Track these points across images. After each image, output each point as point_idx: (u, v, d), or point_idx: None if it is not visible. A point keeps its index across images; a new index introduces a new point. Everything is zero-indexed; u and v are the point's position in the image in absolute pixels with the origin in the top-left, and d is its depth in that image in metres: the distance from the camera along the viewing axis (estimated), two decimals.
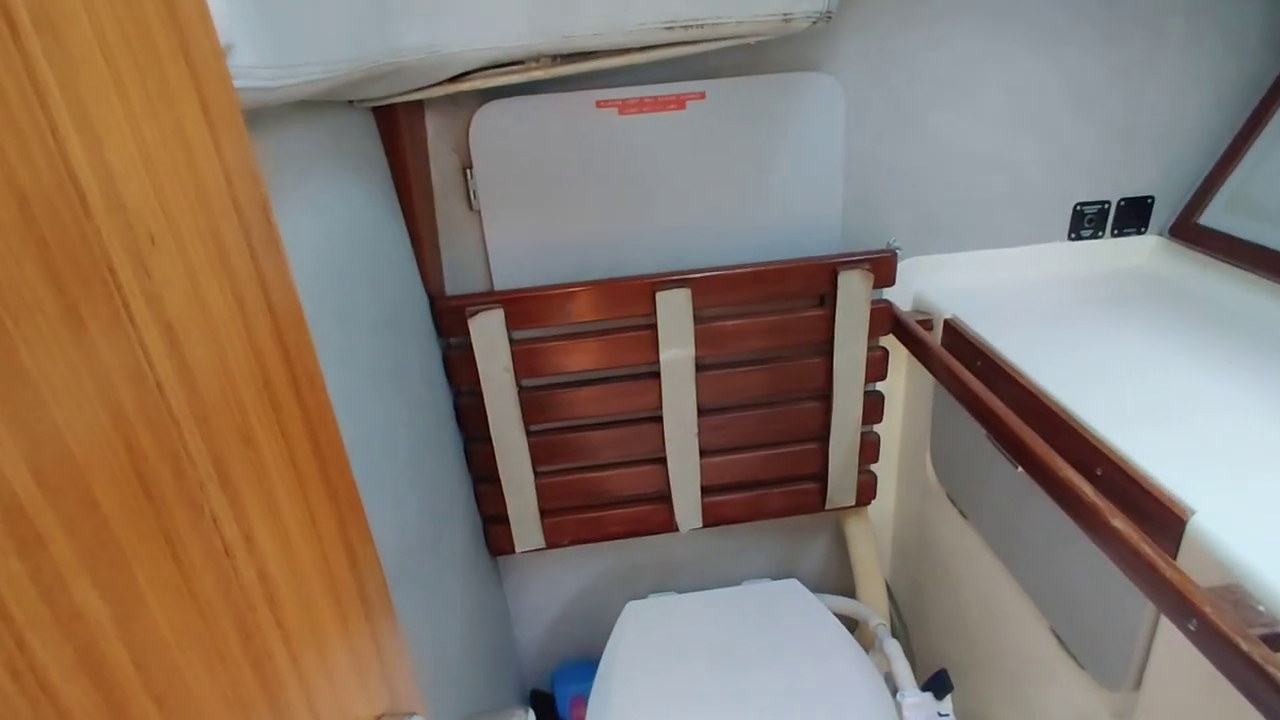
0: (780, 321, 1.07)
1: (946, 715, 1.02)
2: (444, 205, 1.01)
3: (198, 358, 0.23)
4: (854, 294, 1.05)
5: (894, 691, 1.06)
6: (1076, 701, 0.85)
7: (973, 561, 1.08)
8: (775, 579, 1.20)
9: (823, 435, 1.17)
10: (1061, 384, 0.86)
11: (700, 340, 1.06)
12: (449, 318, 1.00)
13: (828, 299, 1.07)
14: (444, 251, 1.03)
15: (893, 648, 1.14)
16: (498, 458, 1.08)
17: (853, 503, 1.23)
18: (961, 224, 1.13)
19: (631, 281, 1.01)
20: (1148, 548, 0.62)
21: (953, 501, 1.11)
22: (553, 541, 1.18)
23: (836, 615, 1.13)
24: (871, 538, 1.28)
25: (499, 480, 1.10)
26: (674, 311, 1.02)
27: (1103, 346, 0.93)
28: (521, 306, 1.00)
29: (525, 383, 1.07)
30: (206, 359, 0.23)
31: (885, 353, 1.12)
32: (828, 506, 1.23)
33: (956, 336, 1.04)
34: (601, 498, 1.17)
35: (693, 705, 0.98)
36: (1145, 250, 1.17)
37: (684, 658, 1.05)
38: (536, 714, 1.40)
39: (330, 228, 0.69)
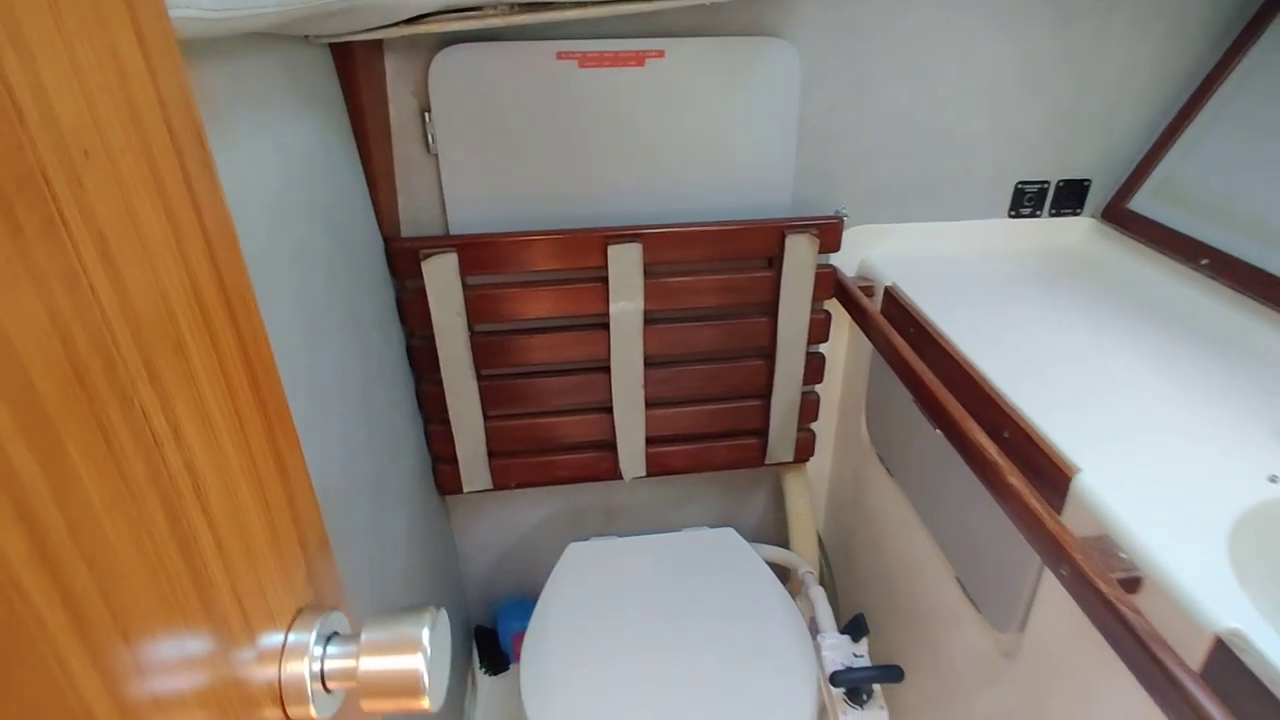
0: (728, 281, 1.11)
1: (861, 656, 1.10)
2: (402, 147, 1.02)
3: (129, 266, 0.25)
4: (800, 258, 1.08)
5: (816, 634, 1.13)
6: (974, 642, 0.93)
7: (896, 517, 1.14)
8: (714, 528, 1.26)
9: (765, 393, 1.22)
10: (984, 354, 0.91)
11: (650, 294, 1.09)
12: (403, 259, 1.01)
13: (775, 261, 1.10)
14: (400, 194, 1.04)
15: (817, 594, 1.22)
16: (448, 400, 1.11)
17: (791, 459, 1.29)
18: (908, 196, 1.17)
19: (584, 233, 1.03)
20: (1035, 501, 0.68)
21: (882, 461, 1.17)
22: (500, 483, 1.22)
23: (769, 564, 1.19)
24: (807, 493, 1.35)
25: (449, 422, 1.13)
26: (625, 265, 1.05)
27: (1028, 321, 0.99)
28: (475, 252, 1.02)
29: (477, 328, 1.09)
30: (138, 268, 0.26)
31: (828, 316, 1.17)
32: (768, 461, 1.28)
33: (894, 304, 1.09)
34: (549, 443, 1.21)
35: (625, 643, 1.04)
36: (1080, 231, 1.22)
37: (620, 598, 1.11)
38: (480, 649, 1.46)
39: (286, 161, 0.70)
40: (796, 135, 1.08)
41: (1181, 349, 0.90)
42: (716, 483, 1.41)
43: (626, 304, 1.08)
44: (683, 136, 1.06)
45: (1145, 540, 0.62)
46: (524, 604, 1.44)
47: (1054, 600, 0.74)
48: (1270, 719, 0.50)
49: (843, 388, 1.32)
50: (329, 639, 0.38)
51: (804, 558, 1.33)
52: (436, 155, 1.02)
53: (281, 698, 0.36)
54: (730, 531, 1.23)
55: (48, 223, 0.22)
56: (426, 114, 1.00)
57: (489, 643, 1.45)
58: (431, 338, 1.06)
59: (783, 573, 1.41)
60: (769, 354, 1.18)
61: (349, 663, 0.37)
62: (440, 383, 1.10)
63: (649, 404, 1.19)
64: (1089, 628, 0.65)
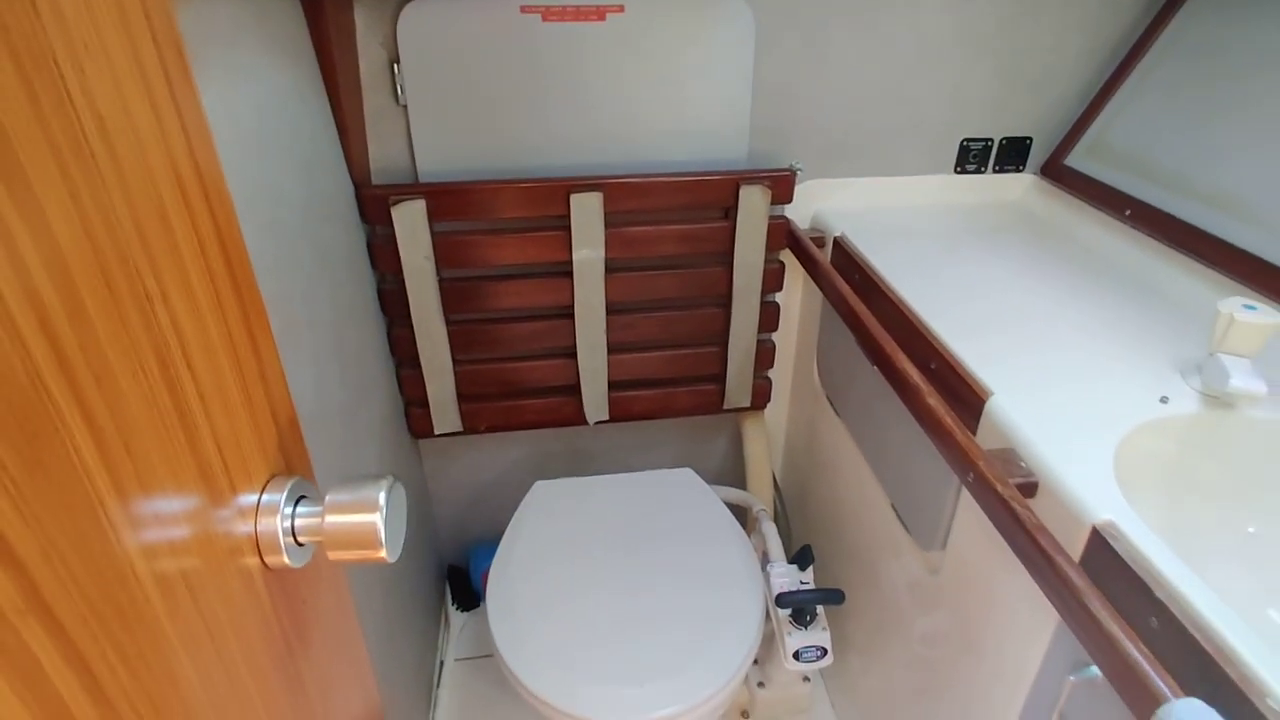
0: (686, 230, 1.16)
1: (808, 583, 1.18)
2: (371, 97, 1.05)
3: (122, 144, 0.30)
4: (754, 208, 1.14)
5: (766, 564, 1.21)
6: (906, 563, 1.01)
7: (843, 455, 1.22)
8: (673, 469, 1.33)
9: (722, 340, 1.28)
10: (921, 297, 0.98)
11: (611, 243, 1.14)
12: (373, 205, 1.05)
13: (730, 212, 1.16)
14: (371, 142, 1.08)
15: (769, 529, 1.29)
16: (418, 343, 1.15)
17: (749, 404, 1.36)
18: (859, 151, 1.23)
19: (547, 183, 1.08)
20: (948, 418, 0.75)
21: (831, 404, 1.24)
22: (470, 427, 1.28)
23: (726, 504, 1.26)
24: (764, 437, 1.42)
25: (420, 365, 1.18)
26: (586, 213, 1.10)
27: (966, 269, 1.05)
28: (442, 199, 1.06)
29: (446, 273, 1.14)
30: (129, 148, 0.31)
31: (782, 266, 1.23)
32: (726, 407, 1.35)
33: (843, 253, 1.15)
34: (517, 387, 1.26)
35: (586, 573, 1.10)
36: (1022, 187, 1.29)
37: (582, 532, 1.17)
38: (452, 587, 1.52)
39: (257, 104, 0.74)
40: (751, 91, 1.13)
41: (1101, 291, 0.98)
42: (678, 429, 1.48)
43: (588, 252, 1.14)
44: (642, 90, 1.10)
45: (1043, 451, 0.69)
46: (494, 546, 1.50)
47: (969, 516, 0.82)
48: (1135, 599, 0.58)
49: (798, 336, 1.38)
50: (299, 500, 0.43)
51: (759, 498, 1.41)
52: (405, 106, 1.06)
53: (259, 547, 0.41)
54: (688, 471, 1.30)
55: (59, 99, 0.27)
56: (395, 65, 1.03)
57: (460, 581, 1.52)
58: (402, 282, 1.10)
59: (740, 513, 1.49)
60: (725, 302, 1.24)
61: (316, 520, 0.43)
62: (411, 326, 1.15)
63: (611, 349, 1.25)
64: (995, 535, 0.73)
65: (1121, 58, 1.16)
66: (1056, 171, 1.21)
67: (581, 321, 1.20)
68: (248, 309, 0.41)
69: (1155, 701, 0.49)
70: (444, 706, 1.35)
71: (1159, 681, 0.49)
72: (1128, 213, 1.05)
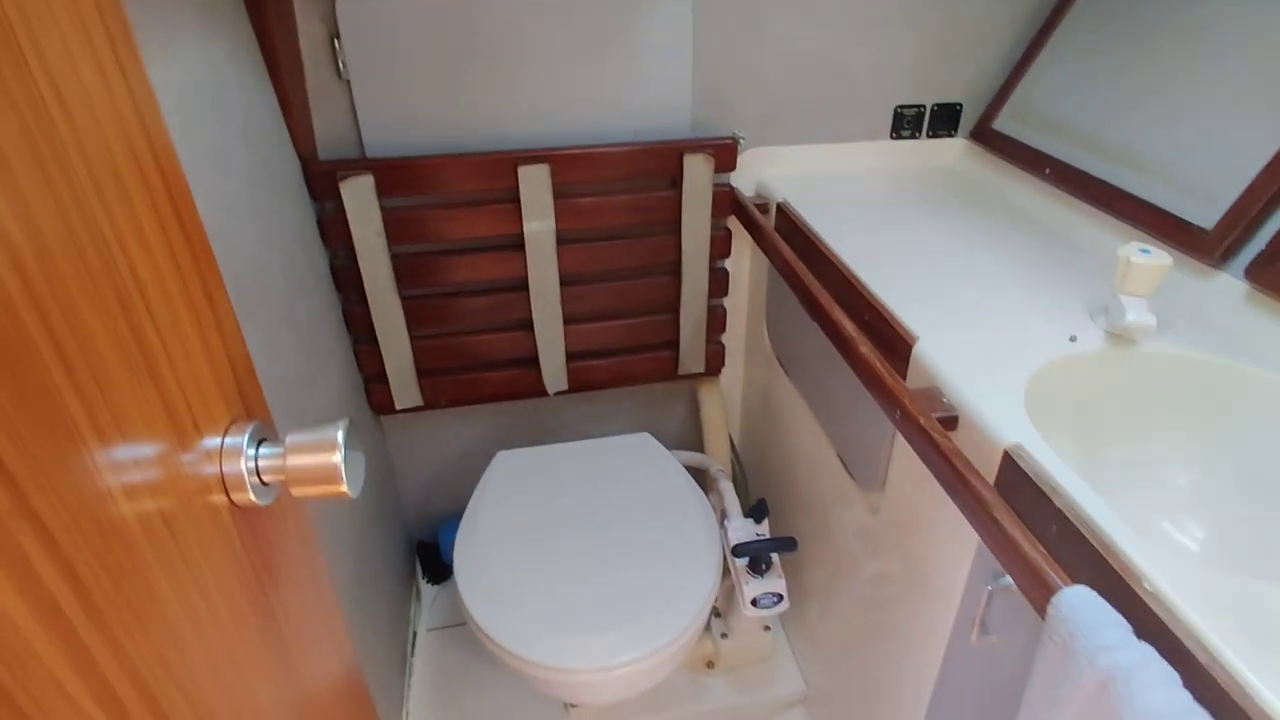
0: (634, 200, 1.19)
1: (763, 534, 1.24)
2: (314, 73, 1.06)
3: (76, 107, 0.33)
4: (698, 177, 1.18)
5: (724, 520, 1.26)
6: (853, 511, 1.07)
7: (793, 413, 1.27)
8: (633, 434, 1.37)
9: (674, 307, 1.32)
10: (856, 256, 1.03)
11: (561, 214, 1.17)
12: (321, 181, 1.07)
13: (677, 181, 1.20)
14: (316, 118, 1.09)
15: (726, 487, 1.35)
16: (374, 318, 1.17)
17: (703, 370, 1.41)
18: (799, 120, 1.27)
19: (495, 155, 1.11)
20: (878, 363, 0.80)
21: (781, 364, 1.30)
22: (431, 401, 1.30)
23: (685, 466, 1.31)
24: (719, 401, 1.47)
25: (377, 340, 1.20)
26: (535, 186, 1.13)
27: (899, 229, 1.11)
28: (391, 174, 1.08)
29: (398, 248, 1.16)
30: (82, 109, 0.33)
31: (728, 232, 1.27)
32: (680, 373, 1.39)
33: (786, 218, 1.20)
34: (476, 360, 1.29)
35: (549, 535, 1.14)
36: (953, 151, 1.35)
37: (545, 498, 1.21)
38: (422, 564, 1.55)
39: (195, 80, 0.75)
40: (692, 62, 1.17)
41: (1023, 245, 1.04)
42: (637, 396, 1.52)
43: (539, 224, 1.17)
44: (584, 62, 1.13)
45: (962, 387, 0.75)
46: (460, 519, 1.54)
47: (903, 456, 0.88)
48: (1039, 511, 0.64)
49: (748, 301, 1.43)
50: (260, 443, 0.47)
51: (717, 460, 1.46)
52: (349, 81, 1.07)
53: (225, 485, 0.44)
54: (646, 436, 1.34)
55: (17, 65, 0.29)
56: (336, 40, 1.05)
57: (430, 556, 1.55)
58: (354, 257, 1.12)
59: (699, 475, 1.54)
60: (676, 270, 1.28)
61: (279, 461, 0.46)
62: (365, 302, 1.17)
63: (567, 320, 1.28)
64: (924, 469, 0.79)
65: (1040, 24, 1.22)
66: (985, 135, 1.28)
67: (536, 293, 1.23)
68: (200, 262, 0.44)
69: (1051, 594, 0.54)
70: (419, 673, 1.38)
71: (1053, 575, 0.55)
72: (1047, 171, 1.11)
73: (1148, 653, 0.49)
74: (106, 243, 0.34)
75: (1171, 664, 0.48)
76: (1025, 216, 1.12)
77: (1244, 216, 0.81)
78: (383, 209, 1.10)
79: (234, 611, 0.44)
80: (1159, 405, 0.79)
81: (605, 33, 1.11)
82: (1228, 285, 0.82)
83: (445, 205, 1.13)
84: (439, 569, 1.54)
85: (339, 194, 1.07)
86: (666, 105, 1.19)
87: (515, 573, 1.08)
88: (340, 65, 1.05)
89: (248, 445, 0.45)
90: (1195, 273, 0.85)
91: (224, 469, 0.44)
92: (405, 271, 1.17)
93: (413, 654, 1.41)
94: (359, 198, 1.07)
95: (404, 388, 1.27)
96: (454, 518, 1.55)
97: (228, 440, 0.45)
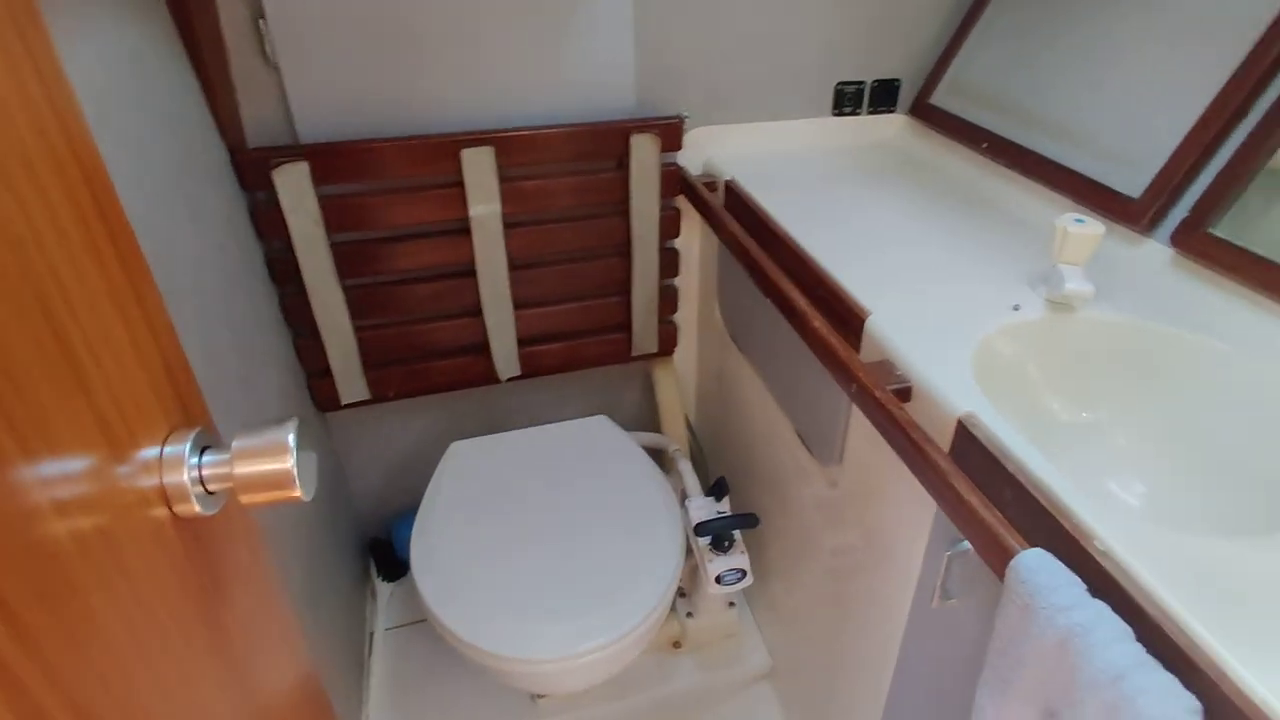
0: (581, 182, 1.17)
1: (724, 512, 1.25)
2: (239, 57, 1.01)
3: None
4: (645, 157, 1.17)
5: (685, 500, 1.27)
6: (812, 485, 1.08)
7: (749, 390, 1.28)
8: (589, 418, 1.36)
9: (625, 289, 1.31)
10: (805, 231, 1.03)
11: (507, 198, 1.14)
12: (252, 170, 1.01)
13: (623, 161, 1.18)
14: (243, 104, 1.03)
15: (685, 466, 1.35)
16: (315, 310, 1.13)
17: (656, 350, 1.40)
18: (743, 98, 1.27)
19: (436, 139, 1.07)
20: (832, 338, 0.81)
21: (735, 342, 1.30)
22: (378, 394, 1.27)
23: (643, 447, 1.31)
24: (674, 382, 1.47)
25: (319, 333, 1.16)
26: (479, 169, 1.10)
27: (845, 204, 1.12)
28: (327, 160, 1.04)
29: (338, 237, 1.12)
30: None
31: (677, 212, 1.27)
32: (634, 354, 1.39)
33: (734, 196, 1.20)
34: (424, 349, 1.26)
35: (508, 525, 1.13)
36: (894, 127, 1.37)
37: (502, 487, 1.19)
38: (376, 562, 1.52)
39: (106, 64, 0.70)
40: (633, 40, 1.15)
41: (965, 219, 1.06)
42: (591, 380, 1.51)
43: (485, 208, 1.14)
44: (525, 40, 1.10)
45: (914, 359, 0.76)
46: (415, 513, 1.51)
47: (859, 428, 0.89)
48: (993, 477, 0.65)
49: (699, 280, 1.43)
50: (204, 450, 0.44)
51: (674, 440, 1.46)
52: (277, 65, 1.02)
53: (166, 496, 0.42)
54: (603, 419, 1.33)
55: None
56: (261, 22, 0.99)
57: (384, 554, 1.51)
58: (291, 248, 1.07)
59: (658, 456, 1.54)
60: (626, 251, 1.27)
61: (225, 469, 0.43)
62: (305, 294, 1.12)
63: (517, 305, 1.26)
64: (881, 440, 0.80)
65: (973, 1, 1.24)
66: (924, 110, 1.30)
67: (484, 279, 1.20)
68: (126, 258, 0.41)
69: (1008, 557, 0.56)
70: (377, 675, 1.35)
71: (1009, 539, 0.57)
72: (985, 145, 1.13)
73: (1102, 610, 0.51)
74: (20, 240, 0.31)
75: (1124, 618, 0.50)
76: (965, 190, 1.15)
77: (1168, 185, 0.84)
78: (320, 197, 1.05)
79: (183, 628, 0.41)
80: (1098, 369, 0.81)
81: (544, 9, 1.08)
82: (1156, 251, 0.85)
83: (387, 191, 1.09)
84: (394, 566, 1.51)
85: (271, 183, 1.02)
86: (610, 85, 1.17)
87: (474, 564, 1.06)
88: (267, 48, 1.00)
89: (190, 454, 0.43)
90: (1126, 240, 0.89)
91: (165, 480, 0.42)
92: (347, 261, 1.12)
93: (371, 655, 1.38)
94: (294, 186, 1.02)
95: (350, 381, 1.23)
96: (408, 512, 1.52)
97: (168, 450, 0.42)
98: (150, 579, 0.38)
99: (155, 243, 0.71)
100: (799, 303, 0.88)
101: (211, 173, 0.93)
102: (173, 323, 0.46)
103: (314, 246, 1.08)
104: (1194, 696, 0.46)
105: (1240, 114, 0.81)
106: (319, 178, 1.04)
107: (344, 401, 1.24)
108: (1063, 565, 0.54)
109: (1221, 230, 0.78)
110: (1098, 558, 0.54)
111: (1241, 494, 0.69)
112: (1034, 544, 0.58)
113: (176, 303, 0.73)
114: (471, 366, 1.29)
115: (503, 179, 1.12)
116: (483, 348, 1.29)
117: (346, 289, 1.15)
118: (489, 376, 1.31)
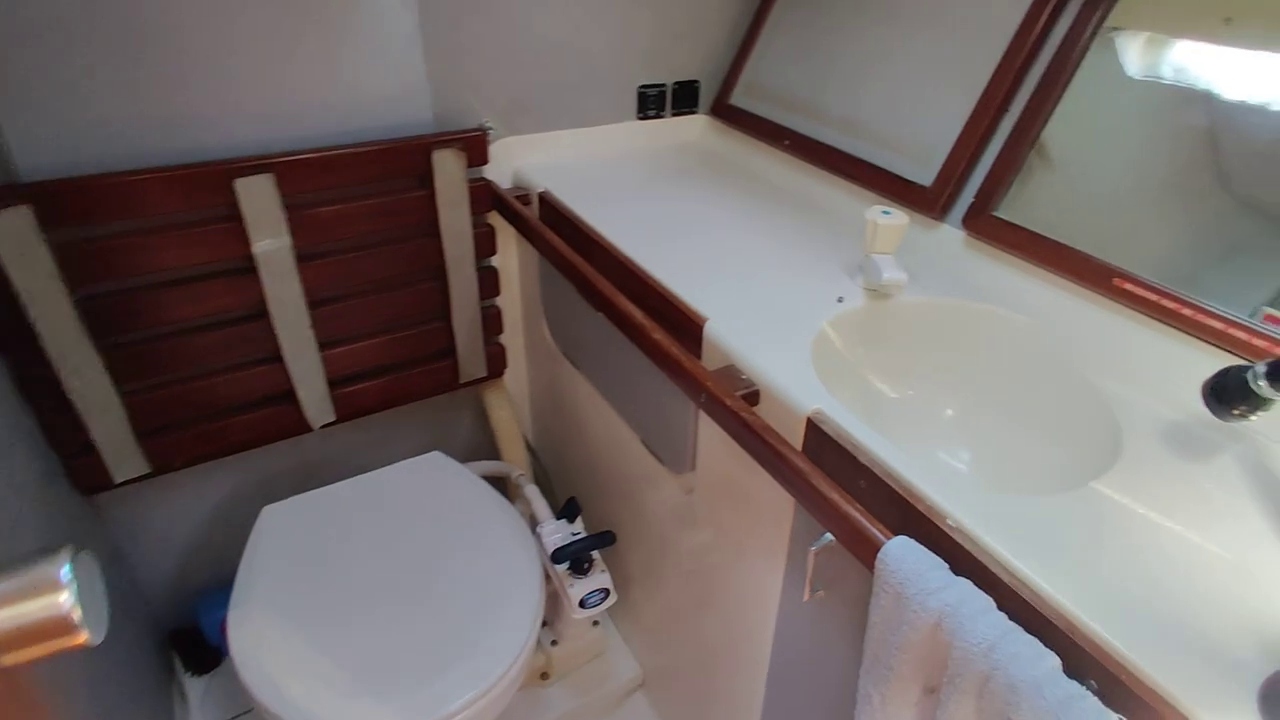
0: (382, 204, 1.07)
1: (579, 533, 1.21)
2: None
3: None
4: (450, 173, 1.09)
5: (536, 526, 1.21)
6: (665, 492, 1.07)
7: (587, 405, 1.25)
8: (421, 456, 1.25)
9: (445, 313, 1.22)
10: (628, 239, 1.02)
11: (297, 228, 1.01)
12: None
13: (427, 179, 1.10)
14: None
15: (532, 491, 1.29)
16: (62, 379, 0.93)
17: (485, 374, 1.33)
18: (546, 106, 1.23)
19: (202, 167, 0.92)
20: (674, 349, 0.80)
21: (567, 357, 1.26)
22: (163, 465, 1.08)
23: (484, 477, 1.23)
24: (508, 404, 1.40)
25: (72, 407, 0.96)
26: (258, 199, 0.96)
27: (661, 207, 1.12)
28: (60, 200, 0.85)
29: (87, 290, 0.93)
30: None
31: (491, 229, 1.20)
32: (462, 380, 1.30)
33: (550, 208, 1.16)
34: (215, 407, 1.09)
35: (342, 590, 1.00)
36: (697, 128, 1.40)
37: (330, 548, 1.06)
38: (182, 655, 1.30)
39: None
40: (422, 51, 1.06)
41: (778, 215, 1.10)
42: (419, 414, 1.40)
43: (270, 242, 1.00)
44: (299, 51, 0.98)
45: (757, 361, 0.77)
46: (225, 591, 1.31)
47: (709, 434, 0.89)
48: (846, 469, 0.67)
49: (522, 298, 1.38)
50: None
51: (515, 465, 1.40)
52: None
53: None
54: (437, 454, 1.24)
55: None
56: None
57: (191, 644, 1.30)
58: (17, 310, 0.87)
59: (500, 484, 1.47)
60: (440, 274, 1.18)
61: None
62: (48, 363, 0.92)
63: (323, 344, 1.13)
64: (733, 444, 0.80)
65: (759, 1, 1.29)
66: (724, 111, 1.34)
67: (280, 320, 1.06)
68: None
69: (874, 547, 0.57)
70: None
71: (873, 530, 0.58)
72: (787, 143, 1.19)
73: (966, 587, 0.53)
74: None
75: (984, 590, 0.53)
76: (775, 187, 1.19)
77: (954, 173, 0.93)
78: (57, 244, 0.86)
79: None
80: (915, 348, 0.88)
81: (315, 16, 0.97)
82: (951, 235, 0.94)
83: (148, 230, 0.92)
84: (204, 657, 1.30)
85: None
86: (403, 98, 1.08)
87: (305, 641, 0.93)
88: None
89: None
90: (925, 226, 0.97)
91: None
92: (103, 316, 0.94)
93: None
94: (15, 236, 0.83)
95: (122, 456, 1.03)
96: (217, 591, 1.32)
97: None
98: None
99: None
100: (636, 315, 0.86)
101: None
102: None
103: (52, 304, 0.88)
104: (1055, 654, 0.49)
105: (1004, 108, 0.90)
106: (50, 221, 0.85)
107: (117, 480, 1.04)
108: (925, 549, 0.56)
109: (1003, 212, 0.87)
110: (950, 534, 0.57)
111: (1051, 450, 0.76)
112: (889, 527, 0.60)
113: None
114: (277, 418, 1.14)
115: (289, 208, 1.00)
116: (288, 395, 1.14)
117: (106, 349, 0.96)
118: (300, 426, 1.17)
